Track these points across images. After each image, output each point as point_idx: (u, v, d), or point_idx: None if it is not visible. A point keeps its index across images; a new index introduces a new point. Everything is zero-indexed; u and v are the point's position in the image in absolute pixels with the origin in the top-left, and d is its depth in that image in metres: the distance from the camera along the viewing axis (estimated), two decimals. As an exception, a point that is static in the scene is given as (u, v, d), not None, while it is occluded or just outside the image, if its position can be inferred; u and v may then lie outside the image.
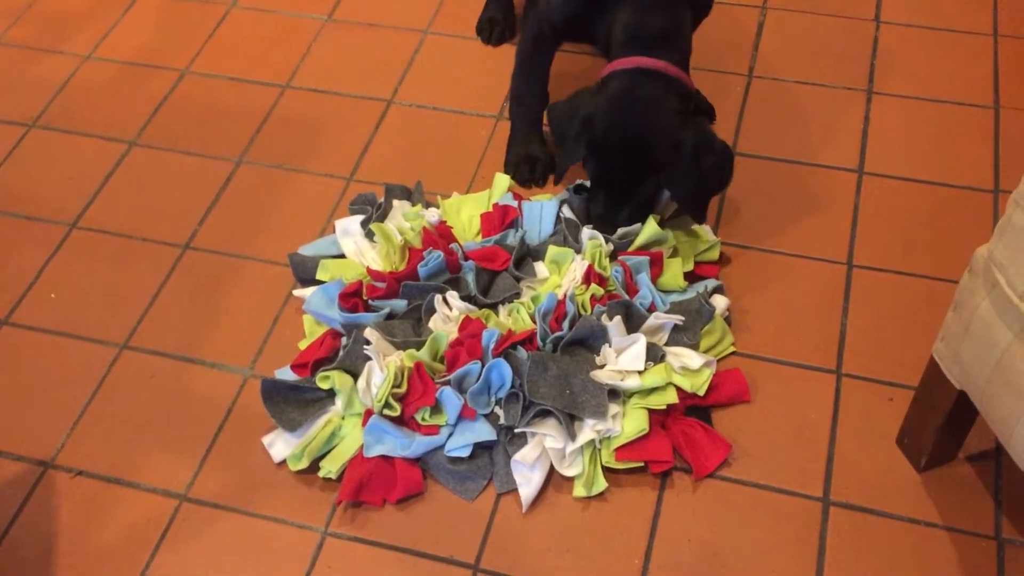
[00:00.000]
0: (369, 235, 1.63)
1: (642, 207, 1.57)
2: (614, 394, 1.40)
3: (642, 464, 1.36)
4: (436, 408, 1.40)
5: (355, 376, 1.44)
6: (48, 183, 1.79)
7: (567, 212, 1.62)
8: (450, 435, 1.39)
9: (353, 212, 1.68)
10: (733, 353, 1.49)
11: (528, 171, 1.71)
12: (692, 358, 1.42)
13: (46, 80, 1.97)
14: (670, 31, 1.54)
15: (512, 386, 1.40)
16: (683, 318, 1.46)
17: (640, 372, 1.40)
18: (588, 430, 1.37)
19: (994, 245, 1.05)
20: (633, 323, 1.47)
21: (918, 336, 1.49)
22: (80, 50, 2.03)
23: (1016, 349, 1.04)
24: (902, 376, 1.45)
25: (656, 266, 1.54)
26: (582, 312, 1.48)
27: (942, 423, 1.27)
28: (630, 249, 1.56)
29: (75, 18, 2.10)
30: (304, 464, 1.38)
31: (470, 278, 1.53)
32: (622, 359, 1.41)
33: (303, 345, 1.52)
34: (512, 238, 1.59)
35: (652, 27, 1.53)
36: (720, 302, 1.52)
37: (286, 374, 1.48)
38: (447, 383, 1.41)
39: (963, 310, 1.13)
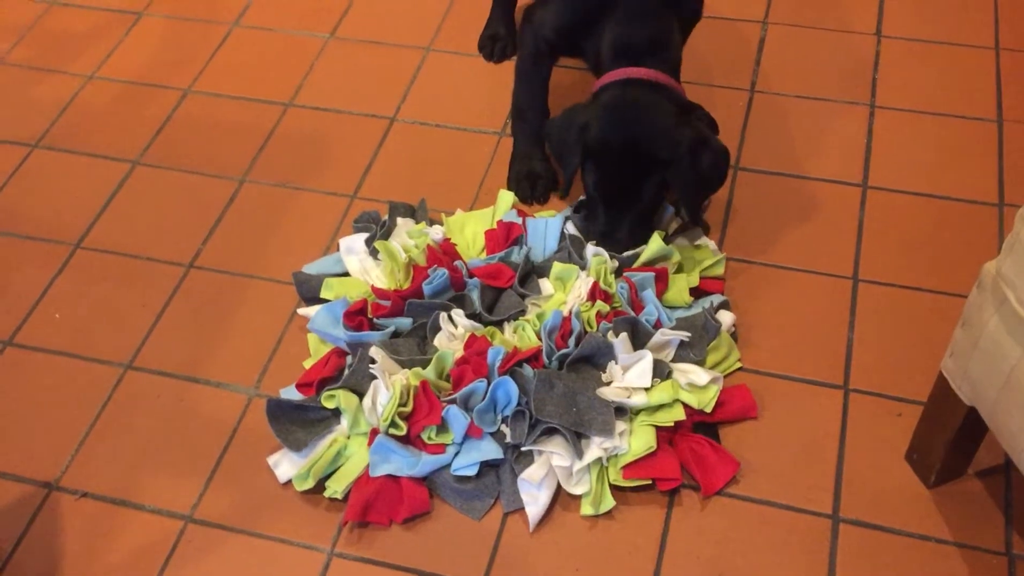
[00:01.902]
0: (373, 253, 1.63)
1: (643, 220, 1.57)
2: (621, 411, 1.39)
3: (650, 482, 1.36)
4: (442, 427, 1.39)
5: (360, 395, 1.43)
6: (52, 203, 1.79)
7: (571, 228, 1.62)
8: (456, 454, 1.38)
9: (357, 230, 1.68)
10: (740, 369, 1.49)
11: (529, 188, 1.71)
12: (699, 374, 1.42)
13: (49, 100, 1.98)
14: (657, 41, 1.55)
15: (518, 404, 1.39)
16: (689, 334, 1.46)
17: (647, 389, 1.40)
18: (595, 448, 1.36)
19: (1002, 261, 1.05)
20: (639, 340, 1.46)
21: (925, 350, 1.48)
22: (83, 70, 2.03)
23: (1026, 365, 1.04)
24: (910, 391, 1.44)
25: (661, 282, 1.53)
26: (588, 329, 1.47)
27: (951, 439, 1.27)
28: (635, 265, 1.56)
29: (78, 38, 2.11)
30: (310, 484, 1.37)
31: (475, 295, 1.53)
32: (628, 376, 1.41)
33: (308, 364, 1.51)
34: (517, 255, 1.59)
35: (639, 38, 1.54)
36: (726, 318, 1.52)
37: (291, 393, 1.48)
38: (453, 401, 1.40)
39: (972, 326, 1.12)
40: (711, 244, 1.62)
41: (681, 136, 1.49)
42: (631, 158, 1.50)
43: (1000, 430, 1.13)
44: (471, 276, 1.56)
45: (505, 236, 1.61)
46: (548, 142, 1.62)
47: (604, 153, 1.51)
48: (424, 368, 1.43)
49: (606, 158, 1.52)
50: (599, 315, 1.48)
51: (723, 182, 1.56)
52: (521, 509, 1.35)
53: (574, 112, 1.55)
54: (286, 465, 1.40)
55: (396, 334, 1.51)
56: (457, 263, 1.57)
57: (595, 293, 1.50)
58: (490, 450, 1.37)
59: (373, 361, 1.44)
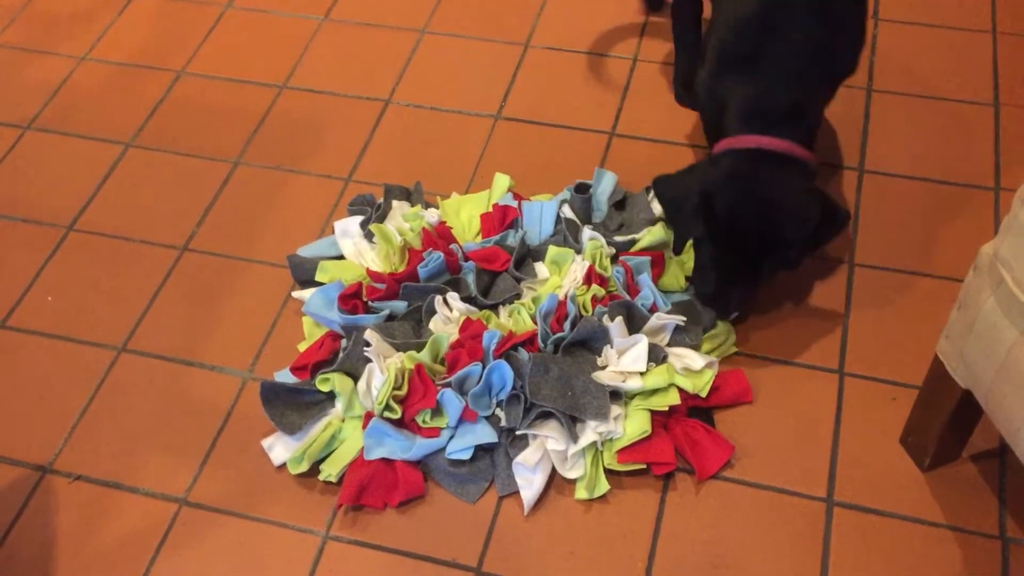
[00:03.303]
0: (368, 236, 1.62)
1: (756, 286, 1.47)
2: (616, 395, 1.39)
3: (644, 466, 1.35)
4: (437, 410, 1.39)
5: (355, 378, 1.43)
6: (44, 185, 1.78)
7: (567, 212, 1.61)
8: (451, 437, 1.38)
9: (352, 213, 1.67)
10: (735, 353, 1.48)
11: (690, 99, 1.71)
12: (694, 359, 1.42)
13: (41, 82, 1.96)
14: (799, 107, 1.40)
15: (513, 388, 1.39)
16: (684, 318, 1.45)
17: (642, 373, 1.40)
18: (590, 432, 1.36)
19: (999, 243, 1.04)
20: (635, 324, 1.46)
21: (920, 334, 1.48)
22: (76, 52, 2.02)
23: (1022, 347, 1.04)
24: (905, 375, 1.44)
25: (657, 266, 1.53)
26: (583, 313, 1.47)
27: (946, 422, 1.27)
28: (632, 250, 1.55)
29: (70, 19, 2.09)
30: (304, 467, 1.37)
31: (470, 279, 1.53)
32: (624, 360, 1.41)
33: (302, 347, 1.51)
34: (512, 238, 1.58)
35: (777, 103, 1.39)
36: (722, 302, 1.51)
37: (285, 376, 1.47)
38: (448, 385, 1.40)
39: (968, 308, 1.12)
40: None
41: (810, 215, 1.37)
42: (757, 238, 1.38)
43: (995, 413, 1.13)
44: (466, 259, 1.55)
45: (501, 219, 1.61)
46: (659, 199, 1.49)
47: (728, 229, 1.38)
48: (419, 351, 1.43)
49: (729, 235, 1.38)
50: (594, 299, 1.48)
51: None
52: (516, 493, 1.35)
53: (693, 174, 1.44)
54: (280, 448, 1.40)
55: (391, 317, 1.50)
56: (452, 246, 1.57)
57: (591, 277, 1.50)
58: (485, 434, 1.37)
59: (368, 344, 1.43)
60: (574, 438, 1.36)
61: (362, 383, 1.41)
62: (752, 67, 1.41)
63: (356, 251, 1.61)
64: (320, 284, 1.57)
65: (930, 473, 1.35)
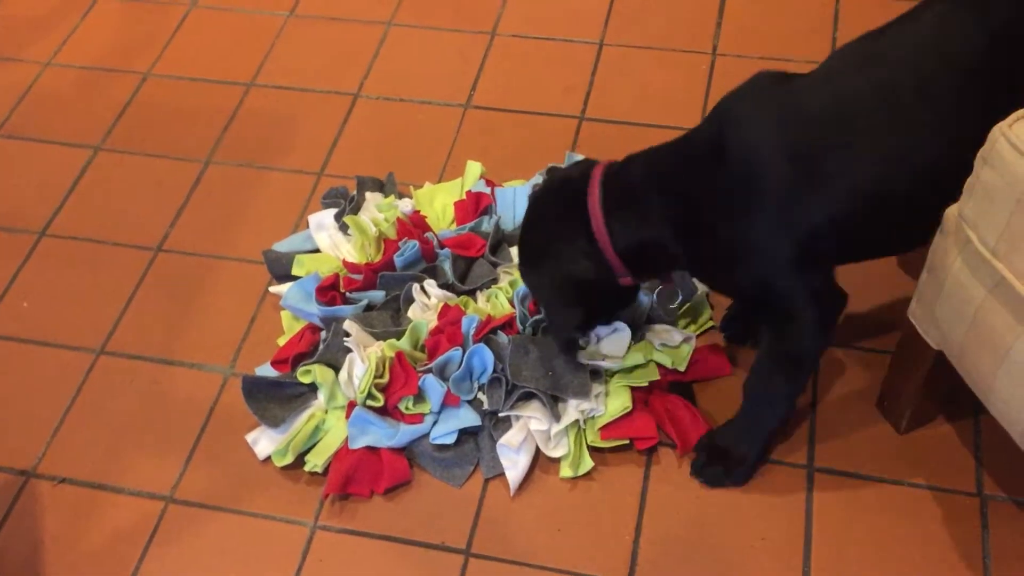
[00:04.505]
0: (343, 228, 1.62)
1: None
2: (596, 374, 1.40)
3: (627, 442, 1.37)
4: (419, 396, 1.40)
5: (336, 369, 1.44)
6: (15, 192, 1.77)
7: (540, 196, 1.62)
8: (435, 423, 1.39)
9: (326, 206, 1.67)
10: (712, 328, 1.50)
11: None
12: (672, 334, 1.43)
13: (6, 88, 1.95)
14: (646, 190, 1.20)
15: (494, 371, 1.40)
16: (658, 291, 1.46)
17: (621, 350, 1.41)
18: (572, 410, 1.37)
19: (964, 203, 1.06)
20: (611, 302, 1.47)
21: (892, 300, 1.50)
22: (40, 57, 2.00)
23: (990, 304, 1.06)
24: (878, 340, 1.46)
25: (631, 245, 1.54)
26: (560, 294, 1.48)
27: (920, 384, 1.29)
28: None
29: (33, 25, 2.08)
30: (289, 460, 1.37)
31: (447, 266, 1.53)
32: (604, 344, 1.41)
33: (282, 341, 1.51)
34: (487, 224, 1.59)
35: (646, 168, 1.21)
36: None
37: (267, 371, 1.48)
38: (429, 371, 1.41)
39: (937, 270, 1.14)
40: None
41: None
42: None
43: (968, 372, 1.15)
44: (442, 247, 1.56)
45: (474, 206, 1.62)
46: None
47: None
48: (399, 339, 1.44)
49: None
50: (571, 280, 1.49)
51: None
52: (501, 474, 1.36)
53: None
54: (265, 442, 1.40)
55: (369, 307, 1.51)
56: (428, 235, 1.57)
57: (566, 258, 1.51)
58: (468, 418, 1.38)
59: (347, 335, 1.44)
60: (556, 417, 1.37)
61: (343, 373, 1.42)
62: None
63: (332, 243, 1.61)
64: (297, 278, 1.57)
65: (907, 435, 1.37)
